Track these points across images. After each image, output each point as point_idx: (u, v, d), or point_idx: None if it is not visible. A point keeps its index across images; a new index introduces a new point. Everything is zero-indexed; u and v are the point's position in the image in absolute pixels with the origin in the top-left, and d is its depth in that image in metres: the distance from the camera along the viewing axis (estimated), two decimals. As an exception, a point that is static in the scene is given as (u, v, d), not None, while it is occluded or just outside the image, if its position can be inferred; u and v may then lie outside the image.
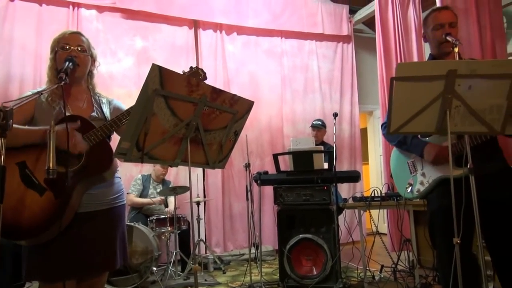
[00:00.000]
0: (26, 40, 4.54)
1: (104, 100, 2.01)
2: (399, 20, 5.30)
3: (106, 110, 1.98)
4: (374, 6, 5.64)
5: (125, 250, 1.95)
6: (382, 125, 2.38)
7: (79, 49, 1.87)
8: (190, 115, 1.59)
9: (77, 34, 1.93)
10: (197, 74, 1.93)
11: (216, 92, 1.63)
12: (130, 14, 5.05)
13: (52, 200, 1.66)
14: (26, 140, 1.69)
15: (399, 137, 2.22)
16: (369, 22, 6.64)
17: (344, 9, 6.36)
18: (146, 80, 1.42)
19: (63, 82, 1.63)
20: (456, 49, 1.87)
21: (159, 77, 1.44)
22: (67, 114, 1.80)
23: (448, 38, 1.94)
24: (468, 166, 1.68)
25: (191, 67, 1.92)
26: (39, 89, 1.80)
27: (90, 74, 1.99)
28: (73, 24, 4.69)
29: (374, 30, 6.49)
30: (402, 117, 1.68)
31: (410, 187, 2.18)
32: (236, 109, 1.73)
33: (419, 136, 2.18)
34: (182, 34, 5.37)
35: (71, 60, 1.77)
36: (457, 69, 1.56)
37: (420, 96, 1.64)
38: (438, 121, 1.68)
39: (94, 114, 1.91)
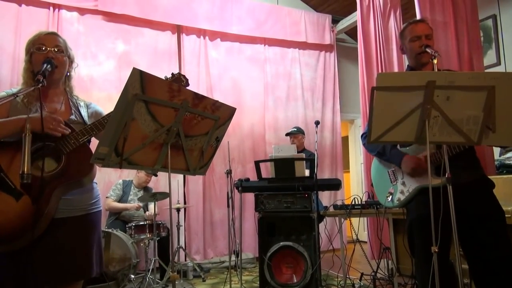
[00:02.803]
0: (3, 41, 4.43)
1: (82, 103, 1.96)
2: (380, 31, 5.38)
3: (85, 113, 1.93)
4: (356, 17, 5.71)
5: (101, 257, 1.90)
6: (362, 135, 2.40)
7: (56, 50, 1.83)
8: (171, 120, 1.57)
9: (54, 35, 1.88)
10: (179, 80, 1.92)
11: (198, 98, 1.62)
12: (112, 17, 4.99)
13: (28, 206, 1.61)
14: (2, 131, 1.65)
15: (378, 148, 2.24)
16: (351, 32, 6.73)
17: (327, 18, 6.44)
18: (127, 84, 1.39)
19: (40, 85, 1.58)
20: (435, 61, 1.91)
21: (140, 81, 1.42)
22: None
23: (428, 50, 1.98)
24: (446, 176, 1.71)
25: (172, 74, 1.90)
26: (14, 90, 1.75)
27: (68, 76, 1.95)
28: (53, 25, 4.60)
29: (356, 40, 6.59)
30: (382, 126, 1.70)
31: (391, 196, 2.20)
32: (218, 115, 1.72)
33: (398, 146, 2.21)
34: (165, 38, 5.33)
35: (50, 62, 1.73)
36: (436, 80, 1.59)
37: (400, 106, 1.67)
38: (417, 131, 1.71)
39: (72, 117, 1.86)
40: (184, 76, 1.89)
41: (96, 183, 1.97)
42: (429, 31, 2.16)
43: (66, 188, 1.73)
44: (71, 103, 1.92)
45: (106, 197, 4.51)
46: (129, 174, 4.86)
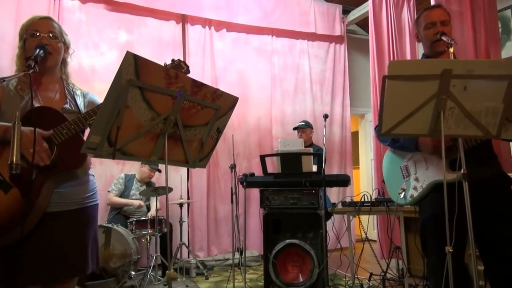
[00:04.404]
0: (3, 31, 4.31)
1: (78, 92, 1.87)
2: (393, 21, 5.19)
3: (80, 102, 1.83)
4: (367, 7, 5.52)
5: (97, 254, 1.82)
6: (375, 128, 2.26)
7: (51, 35, 1.74)
8: (169, 109, 1.47)
9: (48, 20, 1.79)
10: (179, 67, 1.80)
11: (197, 86, 1.50)
12: (115, 6, 4.84)
13: (18, 199, 1.53)
14: None
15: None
16: (362, 23, 6.53)
17: (337, 8, 6.23)
18: (120, 69, 1.28)
19: (31, 70, 1.49)
20: (451, 49, 1.77)
21: (134, 66, 1.31)
22: (37, 105, 1.66)
23: (444, 38, 1.86)
24: (462, 171, 1.58)
25: (173, 60, 1.79)
26: (5, 76, 1.65)
27: (64, 63, 1.85)
28: (54, 14, 4.47)
29: (367, 31, 6.40)
30: (394, 118, 1.59)
31: (403, 193, 2.06)
32: (219, 104, 1.60)
33: None
34: (169, 28, 5.18)
35: (43, 48, 1.64)
36: (453, 68, 1.46)
37: (413, 97, 1.54)
38: (431, 123, 1.59)
39: (67, 106, 1.76)
40: (184, 63, 1.78)
41: (93, 176, 1.88)
42: (445, 17, 2.02)
43: (58, 181, 1.64)
44: (66, 91, 1.83)
45: (108, 191, 4.41)
46: (132, 168, 4.74)
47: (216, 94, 1.58)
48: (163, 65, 1.70)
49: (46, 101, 1.71)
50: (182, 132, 1.55)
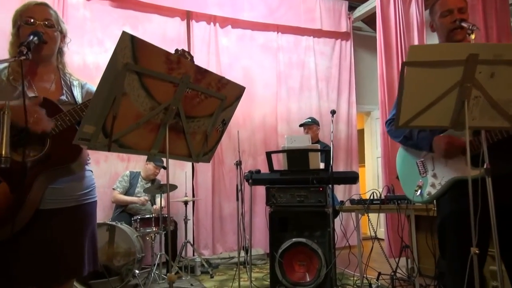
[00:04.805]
0: (6, 27, 4.26)
1: (75, 83, 1.77)
2: (401, 17, 5.12)
3: (78, 94, 1.74)
4: (374, 3, 5.45)
5: (95, 254, 1.72)
6: (386, 122, 2.16)
7: (46, 23, 1.63)
8: (170, 98, 1.37)
9: (44, 6, 1.68)
10: (183, 58, 1.70)
11: (201, 73, 1.41)
12: (120, 2, 4.79)
13: (7, 194, 1.43)
14: None
15: (405, 132, 1.98)
16: (368, 20, 6.44)
17: (343, 4, 6.15)
18: (115, 51, 1.18)
19: (23, 57, 1.39)
20: (472, 36, 1.67)
21: (131, 48, 1.21)
22: (31, 95, 1.56)
23: (464, 24, 1.74)
24: (485, 167, 1.48)
25: (176, 50, 1.67)
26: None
27: (60, 52, 1.76)
28: (58, 10, 4.36)
29: (373, 28, 6.32)
30: (413, 108, 1.48)
31: (420, 190, 1.94)
32: (224, 94, 1.51)
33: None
34: (174, 25, 5.12)
35: (37, 34, 1.53)
36: (479, 53, 1.34)
37: (434, 85, 1.44)
38: (454, 114, 1.48)
39: (63, 97, 1.67)
40: (189, 53, 1.65)
41: (91, 171, 1.78)
42: (462, 3, 1.89)
43: (52, 176, 1.55)
44: (63, 82, 1.73)
45: (113, 189, 4.37)
46: (137, 165, 4.70)
47: (222, 82, 1.49)
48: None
49: (41, 92, 1.62)
50: (184, 123, 1.45)
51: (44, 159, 1.49)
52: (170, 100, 1.38)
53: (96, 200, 1.77)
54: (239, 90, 1.58)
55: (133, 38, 1.20)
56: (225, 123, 1.60)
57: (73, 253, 1.61)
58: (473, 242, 1.40)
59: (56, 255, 1.56)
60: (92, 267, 1.68)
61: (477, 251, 1.40)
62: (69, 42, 1.80)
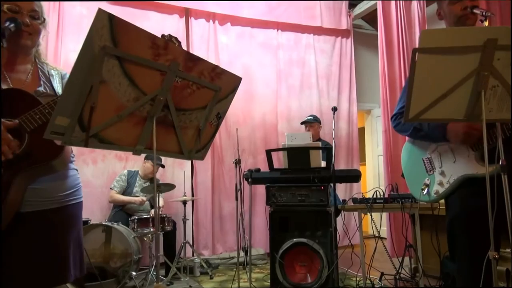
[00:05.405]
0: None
1: (54, 73, 1.65)
2: (402, 14, 5.04)
3: (57, 85, 1.61)
4: (374, 1, 5.37)
5: (81, 258, 1.61)
6: (392, 117, 2.07)
7: (34, 15, 1.53)
8: (157, 87, 1.24)
9: None
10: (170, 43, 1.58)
11: (192, 60, 1.28)
12: (117, -1, 4.72)
13: None
14: None
15: (414, 124, 1.87)
16: (369, 17, 6.36)
17: (344, 2, 6.07)
18: (90, 31, 1.06)
19: None
20: (485, 23, 1.58)
21: (110, 29, 1.08)
22: (5, 87, 1.44)
23: (476, 11, 1.64)
24: (500, 163, 1.37)
25: (163, 35, 1.54)
26: None
27: (37, 43, 1.63)
28: (54, 8, 4.33)
29: (373, 26, 6.26)
30: (424, 100, 1.37)
31: (427, 188, 1.85)
32: (219, 85, 1.38)
33: None
34: (172, 23, 5.04)
35: (15, 21, 1.42)
36: (498, 38, 1.24)
37: (448, 73, 1.33)
38: (468, 106, 1.37)
39: (41, 89, 1.55)
40: (176, 38, 1.50)
41: (76, 170, 1.67)
42: None
43: (32, 174, 1.43)
44: (40, 72, 1.61)
45: (110, 189, 4.28)
46: (135, 164, 4.62)
47: (216, 72, 1.36)
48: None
49: (16, 84, 1.50)
50: (174, 117, 1.32)
51: (23, 156, 1.37)
52: (158, 90, 1.25)
53: (81, 201, 1.66)
54: (235, 81, 1.46)
55: (111, 18, 1.07)
56: (220, 117, 1.47)
57: (57, 259, 1.50)
58: (492, 246, 1.30)
59: (38, 263, 1.44)
60: (78, 273, 1.57)
61: (497, 256, 1.30)
62: (44, 36, 1.66)
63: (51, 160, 1.43)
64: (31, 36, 1.52)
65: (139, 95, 1.22)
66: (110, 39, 1.09)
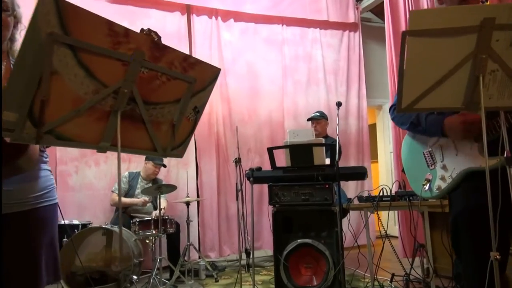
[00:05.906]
0: None
1: None
2: (411, 6, 4.85)
3: None
4: (382, -9, 5.20)
5: (55, 263, 1.51)
6: (390, 108, 1.94)
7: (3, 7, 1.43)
8: (119, 78, 1.12)
9: None
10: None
11: (159, 49, 1.17)
12: (116, -3, 4.66)
13: None
14: None
15: (412, 118, 1.75)
16: (377, 10, 6.17)
17: (351, -6, 5.91)
18: (34, 16, 0.93)
19: None
20: (488, 3, 1.44)
21: (57, 14, 0.95)
22: None
23: None
24: (505, 155, 1.25)
25: (142, 29, 1.45)
26: None
27: (12, 38, 1.54)
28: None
29: (382, 18, 6.05)
30: (418, 88, 1.26)
31: (428, 184, 1.71)
32: (193, 76, 1.26)
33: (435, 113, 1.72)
34: (174, 20, 4.96)
35: None
36: (496, 16, 1.11)
37: (442, 58, 1.21)
38: (466, 93, 1.25)
39: None
40: (156, 33, 1.41)
41: (49, 170, 1.57)
42: None
43: None
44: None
45: (111, 191, 4.23)
46: (138, 166, 4.55)
47: (188, 62, 1.25)
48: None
49: None
50: (143, 111, 1.20)
51: None
52: (120, 81, 1.13)
53: (56, 203, 1.56)
54: (212, 72, 1.33)
55: (57, 1, 0.95)
56: (198, 111, 1.35)
57: (26, 265, 1.41)
58: (493, 246, 1.17)
59: (6, 268, 1.33)
60: (52, 279, 1.48)
61: (498, 256, 1.18)
62: (22, 30, 1.59)
63: (15, 159, 1.33)
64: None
65: (98, 87, 1.10)
66: (58, 25, 0.97)
